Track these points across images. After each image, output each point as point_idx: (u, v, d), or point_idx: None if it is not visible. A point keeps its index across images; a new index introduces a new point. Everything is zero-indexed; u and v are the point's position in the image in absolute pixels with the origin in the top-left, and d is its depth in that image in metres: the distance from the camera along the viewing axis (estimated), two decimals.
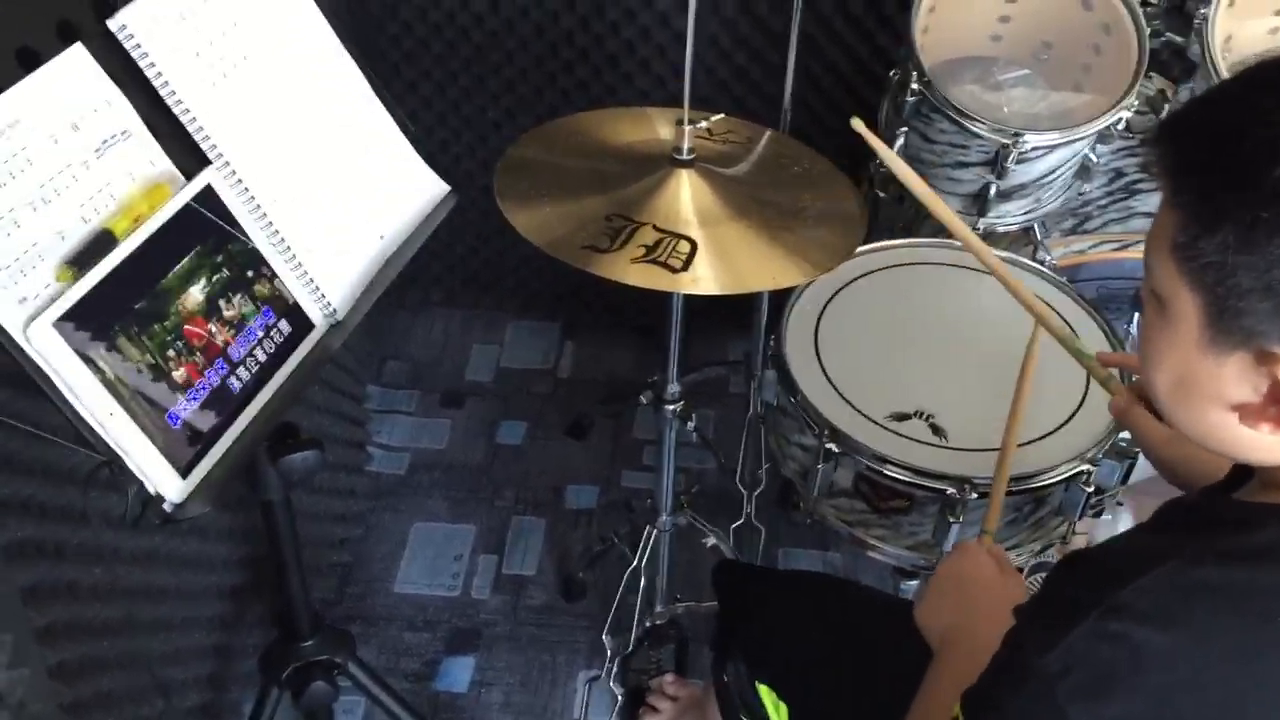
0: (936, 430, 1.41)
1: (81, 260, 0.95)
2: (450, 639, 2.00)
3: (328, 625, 1.53)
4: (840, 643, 1.32)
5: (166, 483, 0.99)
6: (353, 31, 1.24)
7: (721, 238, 1.31)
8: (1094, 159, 1.73)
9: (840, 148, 1.57)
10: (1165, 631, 0.70)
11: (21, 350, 0.90)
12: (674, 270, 1.26)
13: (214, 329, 1.06)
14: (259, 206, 1.12)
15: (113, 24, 1.02)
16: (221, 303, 1.07)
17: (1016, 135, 1.60)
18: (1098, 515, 1.50)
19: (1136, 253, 1.92)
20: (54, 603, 1.22)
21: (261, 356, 1.11)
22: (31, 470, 1.18)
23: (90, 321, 0.94)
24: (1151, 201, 1.88)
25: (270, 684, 1.49)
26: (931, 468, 1.35)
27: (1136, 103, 1.65)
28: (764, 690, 1.33)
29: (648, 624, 1.89)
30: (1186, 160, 0.71)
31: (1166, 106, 1.75)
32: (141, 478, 0.97)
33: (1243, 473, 0.82)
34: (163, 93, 1.06)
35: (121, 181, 1.01)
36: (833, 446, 1.39)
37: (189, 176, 1.06)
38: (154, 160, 1.05)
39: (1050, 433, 1.41)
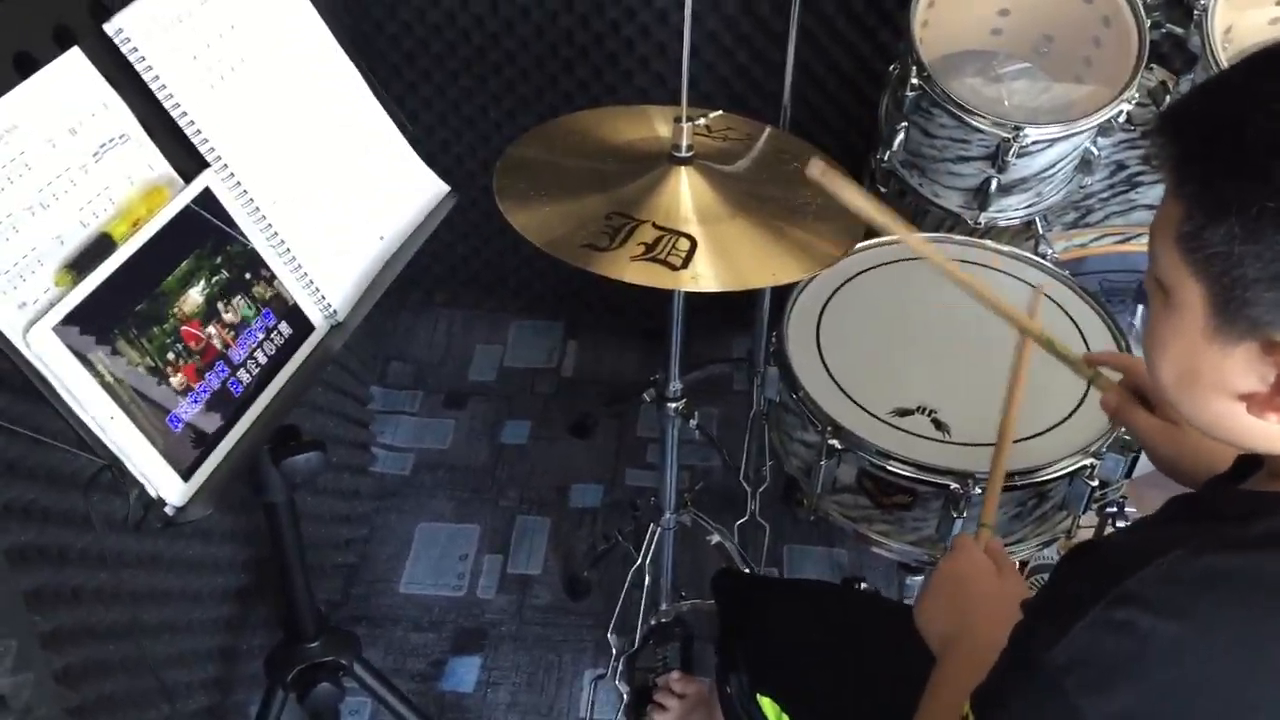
0: (939, 425, 1.41)
1: (81, 264, 0.95)
2: (456, 639, 2.00)
3: (333, 626, 1.53)
4: (842, 651, 1.31)
5: (168, 486, 0.99)
6: (352, 32, 1.24)
7: (721, 235, 1.30)
8: (1095, 152, 1.73)
9: (840, 143, 1.56)
10: (1171, 620, 0.69)
11: (22, 355, 0.90)
12: (674, 268, 1.25)
13: (213, 331, 1.06)
14: (258, 208, 1.11)
15: (109, 28, 1.02)
16: (221, 305, 1.07)
17: (1017, 129, 1.59)
18: (1104, 510, 1.49)
19: (1139, 245, 1.91)
20: (58, 607, 1.22)
21: (262, 358, 1.11)
22: (34, 475, 1.18)
23: (90, 325, 0.94)
24: (1153, 194, 1.87)
25: (276, 686, 1.49)
26: (934, 463, 1.35)
27: (1137, 95, 1.65)
28: (766, 703, 1.32)
29: (653, 622, 1.89)
30: (1189, 150, 0.70)
31: (1167, 98, 1.75)
32: (143, 481, 0.97)
33: (1248, 464, 0.82)
34: (160, 96, 1.05)
35: (120, 185, 1.01)
36: (835, 443, 1.39)
37: (187, 179, 1.06)
38: (152, 163, 1.04)
39: (1053, 427, 1.41)
